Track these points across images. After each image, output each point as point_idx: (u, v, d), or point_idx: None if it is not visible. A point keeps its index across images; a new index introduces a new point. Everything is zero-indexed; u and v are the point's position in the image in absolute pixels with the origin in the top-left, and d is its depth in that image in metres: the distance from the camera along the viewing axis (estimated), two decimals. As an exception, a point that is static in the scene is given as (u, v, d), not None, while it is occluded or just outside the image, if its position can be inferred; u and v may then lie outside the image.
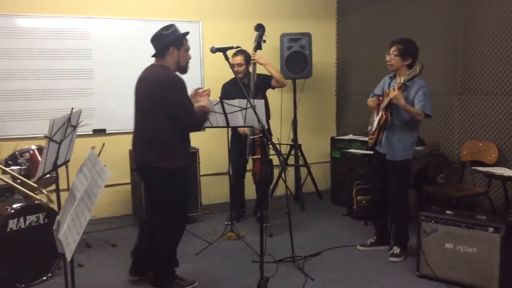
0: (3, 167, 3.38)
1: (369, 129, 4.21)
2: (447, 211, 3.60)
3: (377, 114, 4.03)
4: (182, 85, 3.22)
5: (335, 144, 5.90)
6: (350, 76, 6.50)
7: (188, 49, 3.37)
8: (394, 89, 3.73)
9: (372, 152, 4.26)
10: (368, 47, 6.02)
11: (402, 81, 3.73)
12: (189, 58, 3.39)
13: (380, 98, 4.04)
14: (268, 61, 4.93)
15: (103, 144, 2.39)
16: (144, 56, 5.29)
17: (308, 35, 5.75)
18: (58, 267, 3.80)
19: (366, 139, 4.63)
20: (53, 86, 5.12)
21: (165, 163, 3.24)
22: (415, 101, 3.78)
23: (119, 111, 5.37)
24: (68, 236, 1.77)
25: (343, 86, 6.68)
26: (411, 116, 3.77)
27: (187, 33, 3.38)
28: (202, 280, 3.61)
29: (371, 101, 4.13)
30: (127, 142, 5.20)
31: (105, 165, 1.86)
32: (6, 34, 4.91)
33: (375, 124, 4.05)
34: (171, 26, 3.34)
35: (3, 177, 3.36)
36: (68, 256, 1.72)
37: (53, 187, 4.45)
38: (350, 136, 5.83)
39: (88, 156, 2.05)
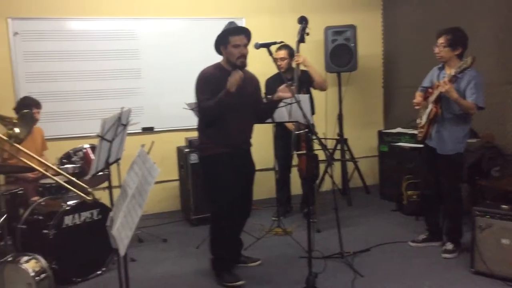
0: (56, 168, 3.51)
1: (418, 122, 4.09)
2: (502, 206, 3.46)
3: (426, 106, 3.91)
4: (200, 80, 3.44)
5: (382, 137, 5.78)
6: (398, 68, 6.34)
7: (236, 45, 3.37)
8: (445, 82, 3.60)
9: (422, 146, 4.14)
10: (416, 37, 5.84)
11: (452, 74, 3.59)
12: (237, 54, 3.38)
13: (429, 90, 3.91)
14: (311, 62, 4.88)
15: (153, 142, 2.43)
16: (190, 55, 5.45)
17: (353, 27, 5.65)
18: (112, 261, 3.93)
19: (415, 132, 4.50)
20: (103, 87, 5.29)
21: (201, 151, 3.56)
22: (467, 93, 3.64)
23: (166, 109, 5.49)
24: (121, 232, 1.82)
25: (390, 78, 6.53)
26: (463, 109, 3.64)
27: (233, 29, 3.40)
28: (250, 276, 3.64)
29: (418, 95, 4.01)
30: (174, 139, 5.35)
31: (154, 163, 1.90)
32: (60, 37, 5.11)
33: (424, 117, 3.93)
34: (226, 24, 3.45)
35: (56, 178, 3.50)
36: (122, 252, 1.77)
37: (105, 184, 4.62)
38: (399, 130, 5.69)
39: (138, 154, 2.10)
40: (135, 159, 2.10)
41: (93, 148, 4.23)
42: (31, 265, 3.26)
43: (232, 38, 3.38)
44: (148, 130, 5.44)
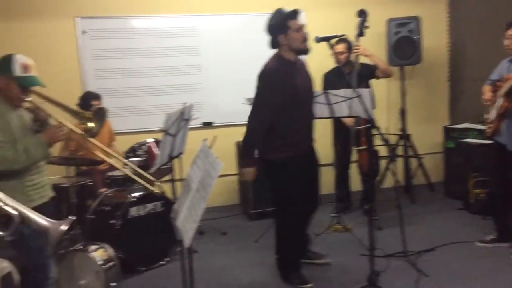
0: (124, 160, 3.65)
1: (486, 117, 3.89)
2: None
3: (495, 101, 3.70)
4: (262, 80, 3.23)
5: (448, 133, 5.55)
6: (465, 60, 6.05)
7: (298, 28, 3.19)
8: None
9: (491, 142, 3.93)
10: (484, 29, 5.54)
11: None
12: (302, 37, 3.20)
13: (497, 83, 3.70)
14: (372, 51, 4.76)
15: (215, 137, 2.47)
16: (249, 50, 5.47)
17: (416, 19, 5.46)
18: (175, 252, 4.04)
19: (484, 127, 4.28)
20: (165, 82, 5.44)
21: (264, 154, 3.40)
22: None
23: (225, 104, 5.55)
24: (186, 224, 1.86)
25: (457, 71, 6.24)
26: None
27: (291, 13, 3.23)
28: (310, 273, 3.60)
29: (487, 90, 3.81)
30: (233, 134, 5.40)
31: (217, 157, 1.92)
32: (124, 35, 5.30)
33: (493, 112, 3.73)
34: (275, 12, 3.29)
35: (123, 169, 3.64)
36: (186, 243, 1.81)
37: (168, 177, 4.75)
38: (466, 125, 5.45)
39: (201, 149, 2.14)
40: (198, 153, 2.14)
41: (156, 142, 4.35)
42: (99, 253, 3.41)
43: (291, 22, 3.19)
44: (208, 125, 5.54)
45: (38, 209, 2.47)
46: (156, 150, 4.24)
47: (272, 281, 3.58)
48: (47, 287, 2.64)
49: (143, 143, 4.36)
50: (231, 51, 5.54)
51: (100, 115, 2.63)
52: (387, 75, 4.82)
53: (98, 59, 5.24)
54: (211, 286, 3.56)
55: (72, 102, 4.67)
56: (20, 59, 2.52)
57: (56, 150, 2.96)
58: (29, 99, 2.57)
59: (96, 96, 4.54)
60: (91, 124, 2.58)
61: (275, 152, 3.32)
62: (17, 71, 2.48)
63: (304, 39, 3.22)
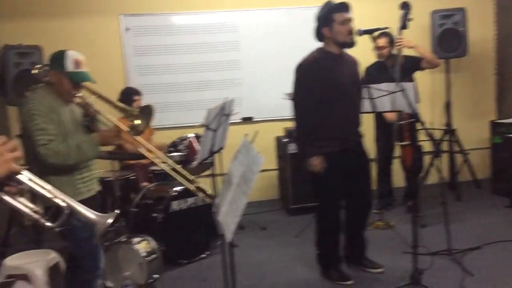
0: (163, 156, 3.71)
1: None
2: None
3: None
4: (299, 72, 3.25)
5: (495, 128, 5.35)
6: (514, 52, 5.81)
7: (343, 22, 3.16)
8: None
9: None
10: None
11: None
12: (347, 31, 3.17)
13: None
14: (416, 42, 4.63)
15: (256, 132, 2.48)
16: (289, 45, 5.44)
17: (462, 10, 5.27)
18: (215, 246, 4.09)
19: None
20: (205, 78, 5.49)
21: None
22: None
23: (265, 99, 5.55)
24: (227, 218, 1.87)
25: (505, 65, 6.00)
26: None
27: (337, 6, 3.19)
28: (350, 269, 3.57)
29: None
30: (273, 129, 5.40)
31: (258, 152, 1.92)
32: (166, 31, 5.38)
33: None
34: (324, 4, 3.25)
35: (162, 165, 3.69)
36: (228, 238, 1.83)
37: (208, 172, 4.80)
38: (514, 120, 5.24)
39: (242, 143, 2.14)
40: (239, 148, 2.14)
41: (197, 137, 4.40)
42: (142, 246, 3.49)
43: (337, 15, 3.16)
44: (247, 120, 5.55)
45: (85, 202, 2.54)
46: (196, 145, 4.29)
47: (312, 277, 3.56)
48: (97, 278, 2.71)
49: (184, 138, 4.41)
50: (271, 46, 5.53)
51: (147, 113, 2.65)
52: (433, 65, 4.68)
53: (140, 56, 5.35)
54: (251, 280, 3.58)
55: (116, 98, 4.81)
56: (72, 55, 2.56)
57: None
58: (80, 94, 2.62)
59: (137, 92, 4.64)
60: (137, 122, 2.61)
61: (315, 146, 3.27)
62: (69, 67, 2.53)
63: (349, 33, 3.18)
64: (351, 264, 3.61)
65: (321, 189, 3.38)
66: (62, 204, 1.37)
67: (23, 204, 1.36)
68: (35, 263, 2.95)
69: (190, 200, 4.00)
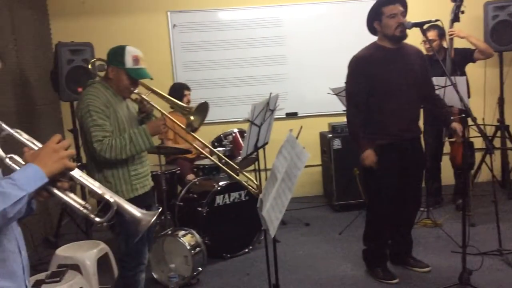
0: (211, 148, 3.75)
1: None
2: None
3: None
4: (350, 66, 3.27)
5: (553, 124, 5.08)
6: None
7: (392, 15, 3.11)
8: None
9: None
10: None
11: None
12: (394, 24, 3.11)
13: None
14: (468, 32, 4.47)
15: (301, 127, 2.47)
16: (335, 39, 5.38)
17: (517, 1, 5.03)
18: (258, 241, 4.11)
19: None
20: (250, 73, 5.51)
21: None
22: None
23: (310, 94, 5.51)
24: (271, 214, 1.87)
25: None
26: None
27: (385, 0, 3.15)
28: (396, 267, 3.50)
29: None
30: (317, 125, 5.35)
31: (303, 147, 1.91)
32: (212, 27, 5.44)
33: None
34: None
35: (211, 157, 3.73)
36: (272, 233, 1.83)
37: (252, 167, 4.82)
38: None
39: (287, 139, 2.13)
40: (284, 143, 2.13)
41: (241, 132, 4.43)
42: (187, 239, 3.55)
43: (386, 9, 3.12)
44: (292, 115, 5.53)
45: (140, 198, 2.61)
46: (241, 140, 4.31)
47: (357, 274, 3.52)
48: (140, 273, 2.75)
49: (229, 133, 4.45)
50: (317, 40, 5.48)
51: (203, 110, 2.67)
52: (486, 55, 4.51)
53: (186, 52, 5.44)
54: (294, 276, 3.57)
55: (165, 93, 4.91)
56: (132, 51, 2.58)
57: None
58: (136, 90, 2.65)
59: (186, 87, 4.72)
60: (192, 118, 2.63)
61: (366, 140, 3.23)
62: (129, 63, 2.55)
63: (398, 26, 3.12)
64: (397, 263, 3.53)
65: (372, 184, 3.33)
66: (110, 200, 1.41)
67: (73, 200, 1.41)
68: (86, 253, 3.07)
69: (234, 195, 4.04)
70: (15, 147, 1.44)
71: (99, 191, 1.43)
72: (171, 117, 2.78)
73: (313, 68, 5.49)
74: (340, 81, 4.40)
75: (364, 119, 3.24)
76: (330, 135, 4.96)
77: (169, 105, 3.00)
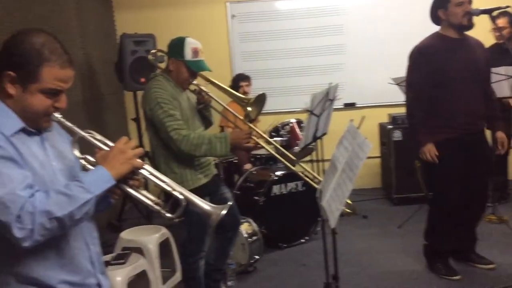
0: (268, 138, 3.77)
1: None
2: None
3: None
4: (412, 57, 3.17)
5: None
6: None
7: (459, 3, 2.98)
8: None
9: None
10: None
11: None
12: (463, 12, 2.98)
13: None
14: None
15: (363, 117, 2.42)
16: (397, 28, 5.22)
17: None
18: (314, 232, 4.10)
19: None
20: (308, 63, 5.47)
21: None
22: None
23: (369, 84, 5.40)
24: (331, 204, 1.86)
25: None
26: None
27: None
28: (458, 264, 3.38)
29: None
30: (377, 116, 5.23)
31: (365, 138, 1.88)
32: (269, 17, 5.44)
33: None
34: None
35: (267, 147, 3.75)
36: (332, 224, 1.82)
37: (309, 157, 4.80)
38: None
39: (348, 129, 2.10)
40: (345, 134, 2.11)
41: (298, 122, 4.41)
42: (244, 227, 3.60)
43: None
44: (350, 106, 5.45)
45: (204, 186, 2.67)
46: (298, 131, 4.30)
47: (417, 269, 3.43)
48: (200, 260, 2.82)
49: (287, 123, 4.44)
50: (377, 29, 5.35)
51: (260, 101, 2.68)
52: None
53: (245, 42, 5.47)
54: (352, 269, 3.53)
55: (224, 83, 4.97)
56: (192, 43, 2.61)
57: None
58: (195, 82, 2.70)
59: (245, 78, 4.76)
60: (249, 109, 2.64)
61: (428, 133, 3.13)
62: (189, 55, 2.59)
63: (465, 14, 2.99)
64: (459, 259, 3.41)
65: (436, 178, 3.22)
66: (180, 197, 1.44)
67: (145, 197, 1.46)
68: (148, 237, 3.18)
69: (291, 185, 4.04)
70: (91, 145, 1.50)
71: (169, 188, 1.46)
72: (229, 108, 2.81)
73: (372, 58, 5.37)
74: (401, 70, 4.25)
75: (426, 112, 3.13)
76: (390, 126, 4.84)
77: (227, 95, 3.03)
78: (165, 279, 3.23)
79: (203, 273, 2.82)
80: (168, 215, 1.46)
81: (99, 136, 1.49)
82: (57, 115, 1.42)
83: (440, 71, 3.05)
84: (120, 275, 2.70)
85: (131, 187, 1.43)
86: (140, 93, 4.47)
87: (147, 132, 2.75)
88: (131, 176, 1.42)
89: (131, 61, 4.43)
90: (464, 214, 3.27)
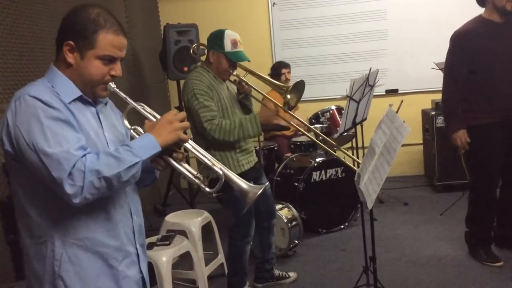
0: (308, 125, 3.80)
1: None
2: None
3: None
4: (452, 41, 3.12)
5: None
6: None
7: None
8: None
9: None
10: None
11: None
12: None
13: None
14: None
15: (401, 101, 2.42)
16: (439, 12, 5.10)
17: None
18: (354, 218, 4.12)
19: None
20: (349, 50, 5.44)
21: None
22: None
23: (412, 70, 5.32)
24: (369, 187, 1.89)
25: None
26: None
27: None
28: (500, 250, 3.33)
29: None
30: (419, 102, 5.16)
31: (404, 121, 1.89)
32: (309, 4, 5.43)
33: None
34: None
35: (308, 134, 3.79)
36: (369, 205, 1.85)
37: (349, 144, 4.81)
38: None
39: (386, 113, 2.12)
40: (383, 118, 2.12)
41: (338, 109, 4.42)
42: (284, 212, 3.67)
43: None
44: (392, 92, 5.38)
45: (246, 173, 2.75)
46: (338, 117, 4.31)
47: (458, 255, 3.41)
48: (248, 244, 2.92)
49: (327, 110, 4.46)
50: (419, 14, 5.25)
51: (299, 88, 2.72)
52: None
53: (285, 30, 5.50)
54: (392, 254, 3.54)
55: (263, 70, 5.03)
56: (231, 35, 2.71)
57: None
58: (235, 72, 2.78)
59: (286, 65, 4.80)
60: (288, 96, 2.69)
61: (470, 117, 3.10)
62: (228, 47, 2.68)
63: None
64: (502, 246, 3.36)
65: (477, 164, 3.18)
66: (219, 171, 1.50)
67: (187, 170, 1.53)
68: (192, 221, 3.30)
69: (330, 171, 4.06)
70: (139, 119, 1.60)
71: (209, 163, 1.52)
72: (269, 97, 2.87)
73: (415, 43, 5.28)
74: (444, 56, 4.20)
75: (466, 96, 3.09)
76: (433, 112, 4.75)
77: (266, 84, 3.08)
78: (207, 261, 3.34)
79: (254, 267, 2.90)
80: (208, 189, 1.51)
81: (149, 109, 1.57)
82: (112, 85, 1.50)
83: (481, 55, 3.00)
84: (165, 256, 2.82)
85: (174, 159, 1.50)
86: (183, 82, 4.65)
87: (188, 120, 2.84)
88: (175, 147, 1.49)
89: (175, 51, 4.54)
90: (506, 201, 3.21)
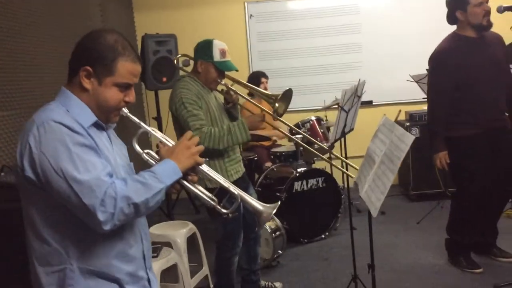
0: (299, 130, 3.79)
1: None
2: None
3: None
4: (431, 63, 3.20)
5: None
6: None
7: (479, 3, 3.01)
8: None
9: None
10: None
11: None
12: (484, 12, 3.01)
13: None
14: None
15: (399, 111, 2.48)
16: (413, 26, 5.27)
17: None
18: (334, 227, 4.16)
19: None
20: (324, 62, 5.55)
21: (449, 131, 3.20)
22: None
23: (386, 82, 5.46)
24: (371, 195, 1.92)
25: None
26: None
27: None
28: (479, 257, 3.44)
29: None
30: (393, 113, 5.27)
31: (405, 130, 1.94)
32: (286, 17, 5.54)
33: None
34: None
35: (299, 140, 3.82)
36: (374, 214, 1.89)
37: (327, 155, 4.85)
38: None
39: (383, 123, 2.17)
40: (379, 127, 2.18)
41: (318, 120, 4.48)
42: (268, 223, 3.67)
43: None
44: (366, 104, 5.49)
45: (235, 183, 2.71)
46: (318, 128, 4.37)
47: (439, 263, 3.50)
48: (235, 255, 2.90)
49: (307, 121, 4.50)
50: (393, 27, 5.42)
51: (287, 96, 2.75)
52: None
53: (262, 41, 5.56)
54: (374, 263, 3.57)
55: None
56: (219, 44, 2.72)
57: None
58: (223, 82, 2.79)
59: (265, 75, 4.83)
60: (277, 105, 2.71)
61: (450, 129, 3.19)
62: (217, 56, 2.69)
63: (485, 15, 3.03)
64: (480, 253, 3.47)
65: (462, 174, 3.24)
66: (235, 193, 1.51)
67: (202, 192, 1.54)
68: (177, 232, 3.25)
69: (312, 181, 4.10)
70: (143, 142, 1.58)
71: (225, 185, 1.55)
72: (259, 104, 2.88)
73: (389, 56, 5.44)
74: (417, 69, 4.33)
75: (451, 111, 3.17)
76: (407, 124, 4.89)
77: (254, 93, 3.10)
78: (192, 273, 3.29)
79: (241, 279, 2.87)
80: (224, 210, 1.54)
81: (160, 134, 1.58)
82: (125, 110, 1.50)
83: (462, 71, 3.08)
84: (154, 268, 2.76)
85: (189, 182, 1.50)
86: (161, 92, 4.59)
87: (175, 131, 2.83)
88: (191, 171, 1.49)
89: (153, 61, 4.49)
90: (486, 208, 3.33)
